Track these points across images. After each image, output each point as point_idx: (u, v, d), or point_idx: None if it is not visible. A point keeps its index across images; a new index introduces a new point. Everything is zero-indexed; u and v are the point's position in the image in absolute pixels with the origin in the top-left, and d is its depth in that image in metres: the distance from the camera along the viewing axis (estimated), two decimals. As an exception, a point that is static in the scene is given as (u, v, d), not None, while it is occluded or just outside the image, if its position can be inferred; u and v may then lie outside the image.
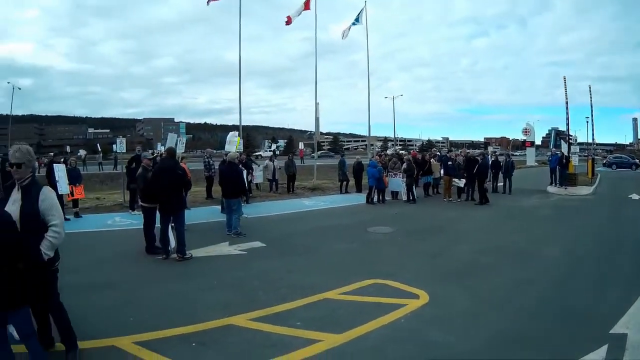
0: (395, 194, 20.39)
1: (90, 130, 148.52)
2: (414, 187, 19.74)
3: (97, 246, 11.04)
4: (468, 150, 23.82)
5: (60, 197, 14.64)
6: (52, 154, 18.14)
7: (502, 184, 23.65)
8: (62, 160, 16.18)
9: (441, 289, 7.51)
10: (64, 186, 14.13)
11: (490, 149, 40.69)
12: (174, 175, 9.83)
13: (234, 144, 20.13)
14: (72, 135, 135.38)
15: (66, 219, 13.63)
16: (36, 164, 5.01)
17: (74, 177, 15.45)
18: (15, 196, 4.66)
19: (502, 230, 13.31)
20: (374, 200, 18.94)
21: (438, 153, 27.89)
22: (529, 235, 12.32)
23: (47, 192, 4.73)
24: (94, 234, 12.72)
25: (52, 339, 5.16)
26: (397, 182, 19.88)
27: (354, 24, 30.52)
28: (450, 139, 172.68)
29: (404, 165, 19.58)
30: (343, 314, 6.41)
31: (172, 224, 10.09)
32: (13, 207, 4.51)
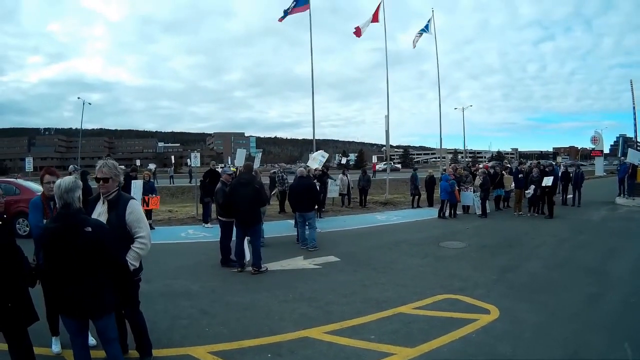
0: (466, 208, 20.13)
1: (161, 144, 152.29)
2: (487, 201, 19.40)
3: (171, 257, 11.23)
4: (541, 162, 23.33)
5: None
6: (127, 168, 18.77)
7: (571, 195, 22.89)
8: (135, 174, 16.68)
9: (511, 304, 7.42)
10: (139, 200, 14.45)
11: (559, 159, 39.60)
12: (251, 189, 10.03)
13: (317, 161, 20.14)
14: (142, 149, 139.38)
15: None
16: (122, 178, 5.23)
17: (148, 190, 16.12)
18: (100, 209, 4.89)
19: (572, 244, 12.91)
20: (446, 215, 18.70)
21: (509, 166, 27.34)
22: (598, 250, 12.00)
23: (134, 206, 4.94)
24: (168, 245, 12.92)
25: (126, 346, 5.35)
26: (468, 196, 19.58)
27: (422, 31, 30.42)
28: (519, 149, 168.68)
29: (479, 180, 19.30)
30: (416, 328, 6.40)
31: (248, 238, 10.28)
32: (99, 219, 4.65)
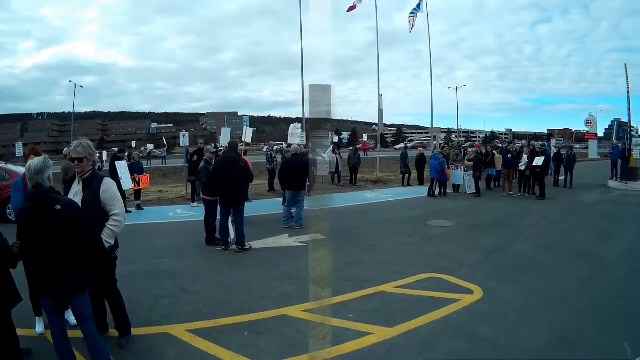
0: (457, 187, 20.12)
1: (154, 125, 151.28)
2: (479, 181, 19.37)
3: (158, 237, 11.24)
4: (532, 143, 23.22)
5: (123, 193, 15.20)
6: (115, 149, 18.74)
7: (563, 177, 22.71)
8: (126, 154, 16.57)
9: (496, 285, 7.37)
10: (127, 182, 14.61)
11: (553, 140, 39.59)
12: (235, 168, 9.91)
13: (296, 136, 20.18)
14: (135, 131, 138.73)
15: (128, 212, 14.19)
16: (97, 157, 5.20)
17: (137, 170, 16.12)
18: (76, 188, 4.89)
19: (562, 226, 12.80)
20: (436, 194, 18.66)
21: (500, 145, 27.24)
22: (589, 232, 11.88)
23: (108, 183, 4.95)
24: (155, 225, 13.00)
25: (106, 325, 5.35)
26: (459, 175, 19.53)
27: (414, 11, 30.24)
28: (513, 130, 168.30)
29: (471, 158, 19.25)
30: (396, 308, 6.36)
31: (232, 217, 10.20)
32: (75, 199, 4.69)
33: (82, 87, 65.17)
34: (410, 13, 30.37)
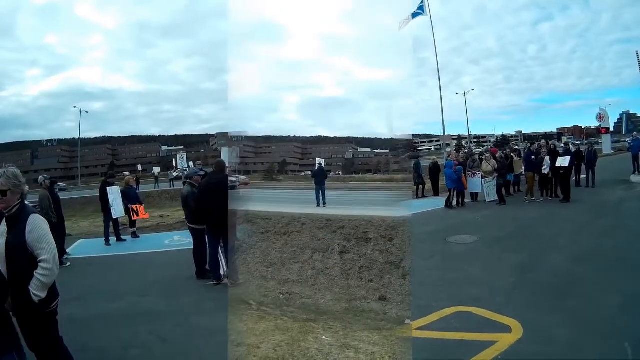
0: (474, 195, 18.78)
1: (164, 147, 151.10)
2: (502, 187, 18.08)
3: (148, 269, 10.53)
4: (554, 142, 21.91)
5: (116, 221, 14.33)
6: (108, 173, 17.97)
7: (584, 176, 21.30)
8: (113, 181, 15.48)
9: (537, 316, 6.18)
10: (118, 209, 14.02)
11: (564, 139, 38.05)
12: (224, 191, 8.72)
13: None
14: (145, 154, 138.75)
15: (122, 240, 13.11)
16: (26, 188, 4.22)
17: (132, 198, 14.98)
18: (2, 228, 3.95)
19: (593, 231, 11.54)
20: (453, 204, 17.40)
21: (517, 148, 25.93)
22: (621, 236, 10.68)
23: (36, 221, 3.91)
24: (148, 256, 12.26)
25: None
26: (476, 182, 18.21)
27: (416, 14, 29.25)
28: (523, 131, 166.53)
29: (492, 164, 17.93)
30: None
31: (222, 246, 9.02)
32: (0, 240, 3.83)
33: (87, 112, 65.42)
34: (413, 15, 29.32)
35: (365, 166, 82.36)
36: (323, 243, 12.18)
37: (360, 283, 9.70)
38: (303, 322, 6.85)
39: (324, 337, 6.05)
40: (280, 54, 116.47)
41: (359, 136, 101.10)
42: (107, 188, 14.03)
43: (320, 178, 20.94)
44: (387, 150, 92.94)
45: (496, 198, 17.54)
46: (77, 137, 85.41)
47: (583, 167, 21.25)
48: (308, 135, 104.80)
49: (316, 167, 21.56)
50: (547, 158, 17.10)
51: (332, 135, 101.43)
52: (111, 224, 14.33)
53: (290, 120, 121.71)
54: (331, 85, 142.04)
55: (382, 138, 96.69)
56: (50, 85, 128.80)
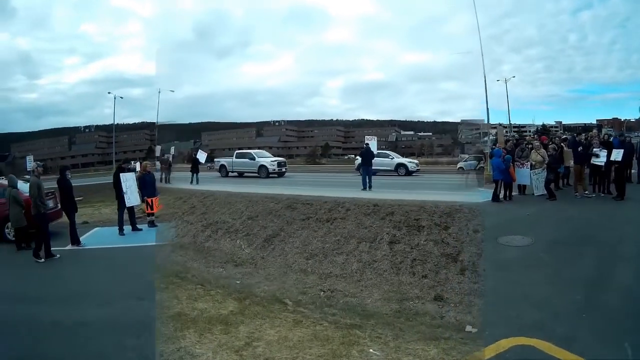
0: (522, 188, 17.11)
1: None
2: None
3: (153, 266, 9.89)
4: (608, 132, 20.20)
5: (131, 209, 13.62)
6: (123, 159, 17.09)
7: (635, 170, 19.27)
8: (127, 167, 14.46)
9: (613, 354, 4.96)
10: (132, 197, 13.34)
11: (603, 131, 36.27)
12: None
13: None
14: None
15: (138, 229, 12.29)
16: None
17: (148, 185, 14.24)
18: None
19: (664, 235, 9.89)
20: (500, 197, 15.83)
21: (566, 137, 24.21)
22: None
23: None
24: (159, 249, 11.66)
25: None
26: (525, 174, 16.63)
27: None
28: (563, 122, 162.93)
29: (542, 153, 16.31)
30: None
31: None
32: None
33: (122, 97, 65.66)
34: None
35: (409, 149, 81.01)
36: (370, 231, 11.02)
37: (413, 279, 8.80)
38: (346, 330, 6.30)
39: (371, 349, 5.50)
40: (321, 39, 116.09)
41: (401, 119, 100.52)
42: (121, 175, 13.23)
43: (367, 159, 19.45)
44: (430, 133, 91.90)
45: (545, 192, 15.94)
46: (115, 122, 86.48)
47: (634, 161, 19.49)
48: (351, 119, 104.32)
49: (364, 147, 20.14)
50: (603, 151, 15.36)
51: (374, 119, 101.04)
52: (127, 211, 13.63)
53: (333, 105, 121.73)
54: (372, 69, 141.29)
55: (425, 121, 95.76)
56: (88, 73, 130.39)
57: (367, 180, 18.25)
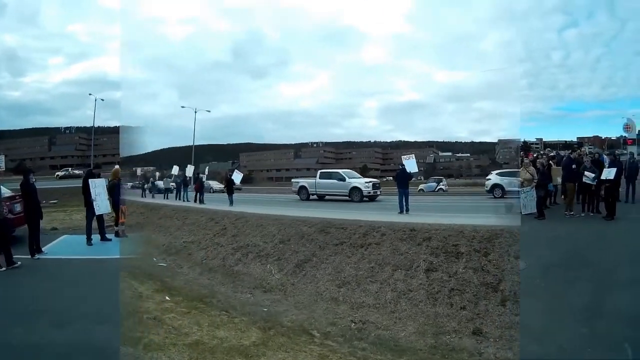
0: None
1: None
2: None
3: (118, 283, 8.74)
4: (594, 151, 19.93)
5: (100, 217, 12.86)
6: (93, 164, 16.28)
7: (622, 189, 19.13)
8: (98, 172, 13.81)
9: None
10: (102, 205, 12.48)
11: (585, 149, 36.49)
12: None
13: None
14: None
15: (107, 239, 11.76)
16: None
17: (117, 194, 13.50)
18: None
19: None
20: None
21: (553, 154, 24.03)
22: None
23: None
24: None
25: None
26: (514, 192, 16.40)
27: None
28: (544, 139, 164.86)
29: (531, 171, 15.96)
30: None
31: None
32: None
33: (102, 100, 64.91)
34: None
35: (447, 170, 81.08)
36: (406, 258, 10.49)
37: (450, 311, 8.35)
38: None
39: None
40: (356, 58, 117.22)
41: (439, 140, 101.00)
42: (90, 181, 12.41)
43: (403, 181, 18.51)
44: (468, 154, 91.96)
45: (534, 210, 15.53)
46: (97, 125, 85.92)
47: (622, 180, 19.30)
48: (388, 140, 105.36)
49: (399, 169, 19.42)
50: (592, 169, 15.37)
51: (412, 140, 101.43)
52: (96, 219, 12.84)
53: (370, 126, 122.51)
54: (408, 89, 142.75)
55: (463, 142, 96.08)
56: (73, 73, 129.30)
57: (404, 203, 17.60)
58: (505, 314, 7.73)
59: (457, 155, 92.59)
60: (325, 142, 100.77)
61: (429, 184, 36.00)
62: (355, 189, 24.92)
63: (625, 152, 39.33)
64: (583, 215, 15.53)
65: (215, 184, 42.01)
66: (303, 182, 28.06)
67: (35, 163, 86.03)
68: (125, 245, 12.43)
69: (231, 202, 22.71)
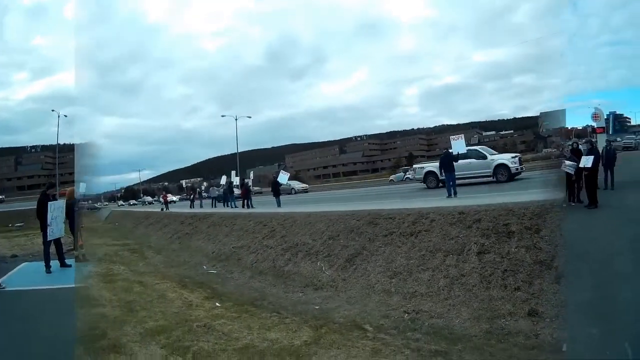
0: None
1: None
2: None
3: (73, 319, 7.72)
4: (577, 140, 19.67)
5: (58, 241, 11.92)
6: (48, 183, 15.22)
7: (601, 177, 18.15)
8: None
9: None
10: (57, 229, 11.55)
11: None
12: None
13: None
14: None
15: (67, 265, 11.68)
16: None
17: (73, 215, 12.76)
18: None
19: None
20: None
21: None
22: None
23: None
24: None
25: None
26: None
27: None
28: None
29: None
30: None
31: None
32: None
33: (65, 116, 63.83)
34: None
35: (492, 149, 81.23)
36: (457, 242, 10.27)
37: (505, 293, 8.22)
38: (429, 359, 6.12)
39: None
40: (391, 48, 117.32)
41: (481, 120, 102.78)
42: (49, 204, 11.42)
43: (449, 165, 17.95)
44: (512, 131, 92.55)
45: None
46: (61, 142, 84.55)
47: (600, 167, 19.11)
48: (431, 126, 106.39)
49: (442, 153, 18.64)
50: (571, 158, 15.34)
51: (455, 123, 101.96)
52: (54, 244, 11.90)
53: (412, 113, 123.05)
54: (445, 72, 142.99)
55: (505, 119, 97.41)
56: (37, 89, 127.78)
57: (451, 187, 17.21)
58: (560, 292, 7.57)
59: (501, 133, 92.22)
60: (369, 135, 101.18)
61: (397, 174, 39.01)
62: (501, 167, 21.83)
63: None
64: (565, 205, 14.96)
65: (297, 184, 42.15)
66: (430, 167, 24.62)
67: (2, 184, 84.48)
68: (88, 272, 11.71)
69: (279, 204, 22.36)
